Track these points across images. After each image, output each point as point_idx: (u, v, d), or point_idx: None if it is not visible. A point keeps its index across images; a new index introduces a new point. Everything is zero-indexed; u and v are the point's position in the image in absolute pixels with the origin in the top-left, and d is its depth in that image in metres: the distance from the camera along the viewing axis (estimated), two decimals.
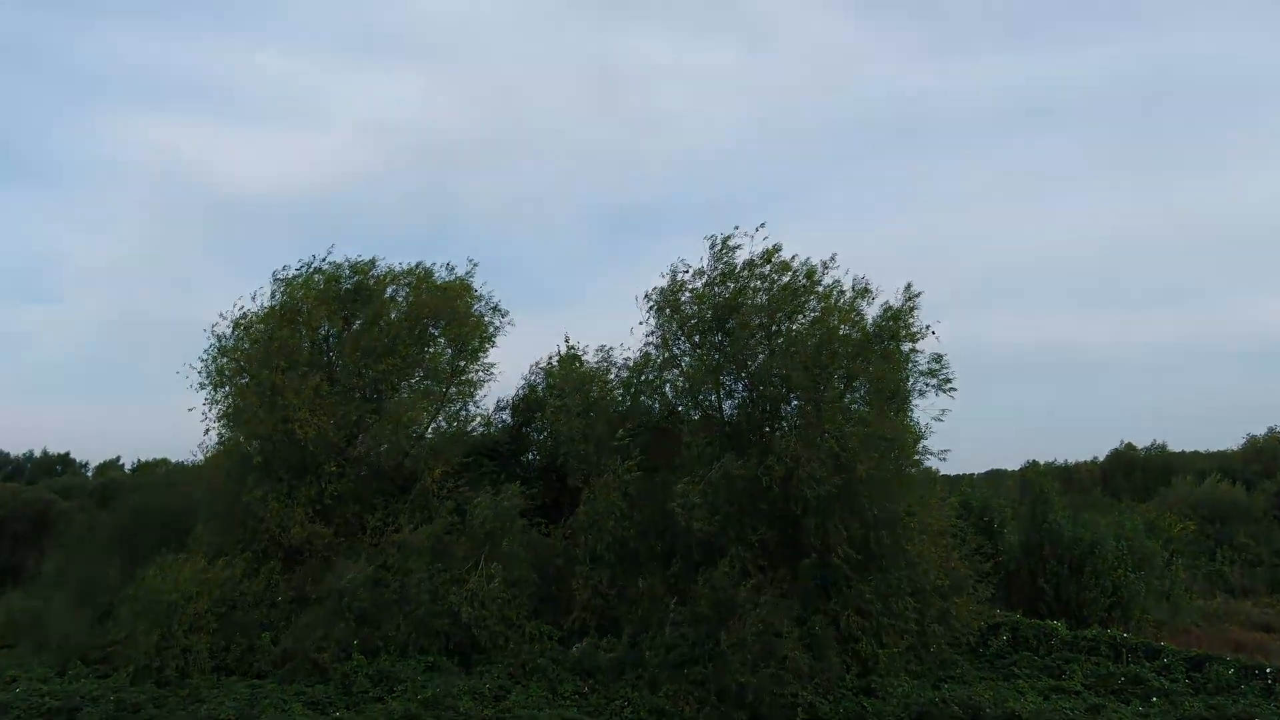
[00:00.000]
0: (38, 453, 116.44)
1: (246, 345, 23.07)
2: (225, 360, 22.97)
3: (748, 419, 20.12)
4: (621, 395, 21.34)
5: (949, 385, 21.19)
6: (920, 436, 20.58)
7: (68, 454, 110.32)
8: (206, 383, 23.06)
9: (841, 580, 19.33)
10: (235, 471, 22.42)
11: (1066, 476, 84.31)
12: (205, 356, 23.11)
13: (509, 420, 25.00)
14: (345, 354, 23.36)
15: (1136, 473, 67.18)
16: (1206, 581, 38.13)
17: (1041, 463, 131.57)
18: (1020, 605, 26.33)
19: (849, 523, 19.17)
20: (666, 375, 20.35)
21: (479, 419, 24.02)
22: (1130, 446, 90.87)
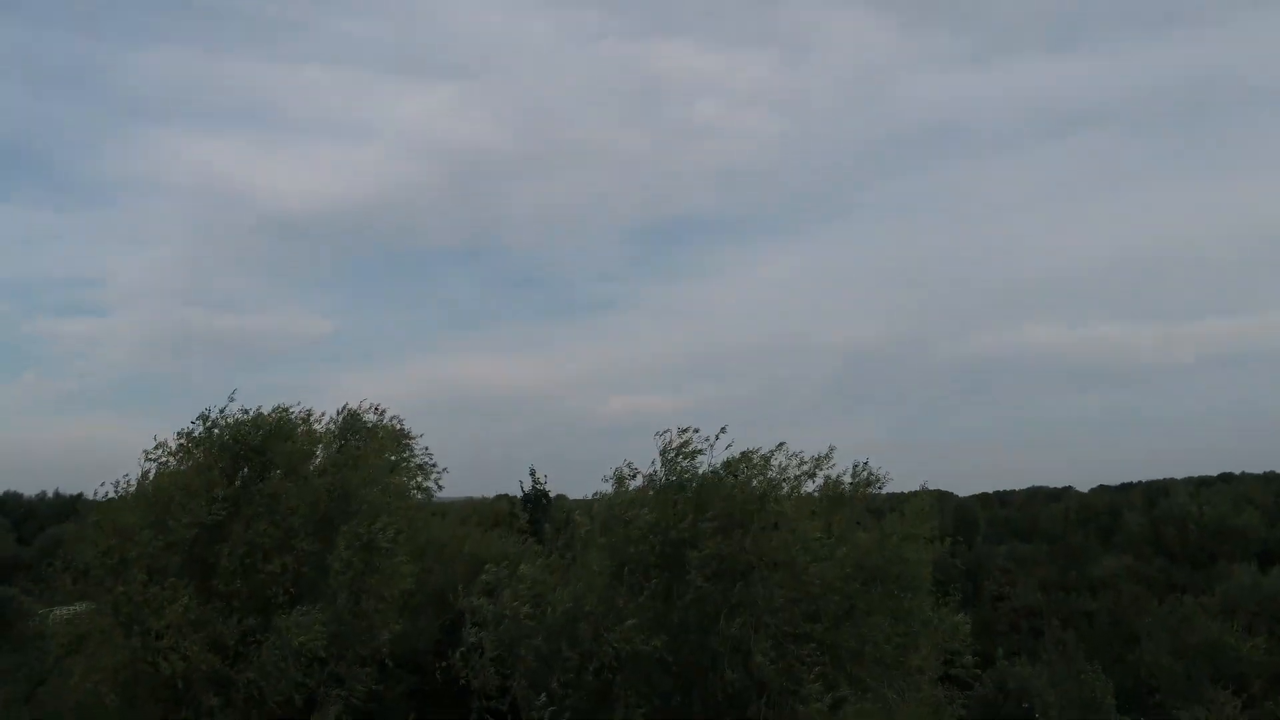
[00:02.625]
0: (51, 493, 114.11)
1: (101, 550, 18.80)
2: (70, 573, 18.76)
3: (707, 677, 15.52)
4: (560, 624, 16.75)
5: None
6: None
7: (80, 494, 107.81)
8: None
9: None
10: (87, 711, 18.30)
11: (1111, 531, 78.85)
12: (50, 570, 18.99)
13: (436, 629, 20.48)
14: (227, 553, 19.01)
15: (1190, 530, 61.90)
16: None
17: (1085, 490, 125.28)
18: None
19: None
20: (612, 625, 15.73)
21: (392, 631, 19.43)
22: (1183, 490, 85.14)
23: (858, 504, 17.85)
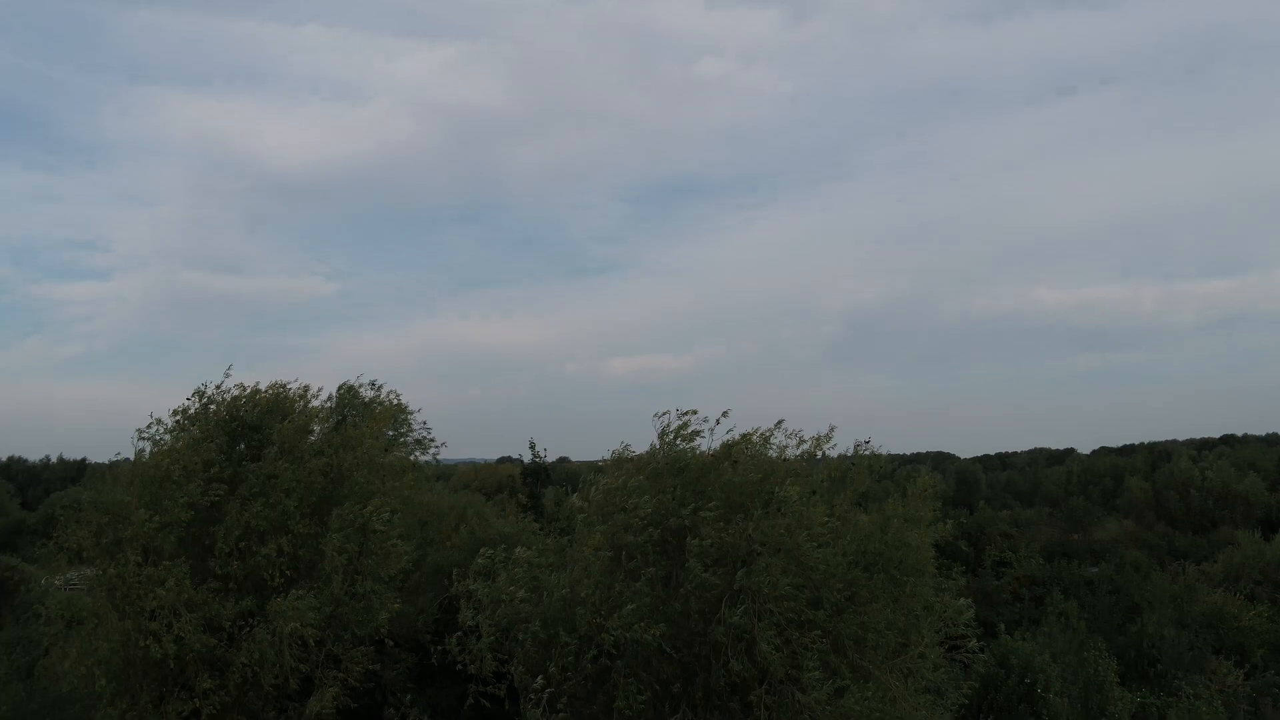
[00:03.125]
0: (54, 458, 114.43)
1: (93, 530, 18.61)
2: (63, 554, 18.57)
3: (710, 665, 15.32)
4: (557, 609, 16.52)
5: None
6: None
7: (84, 460, 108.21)
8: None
9: None
10: (81, 692, 18.21)
11: (1114, 495, 78.82)
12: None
13: (435, 608, 20.23)
14: (223, 535, 18.79)
15: (1192, 495, 61.82)
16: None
17: (1087, 453, 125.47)
18: None
19: None
20: (609, 613, 15.45)
21: (390, 611, 19.20)
22: (1185, 454, 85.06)
23: (859, 484, 17.58)
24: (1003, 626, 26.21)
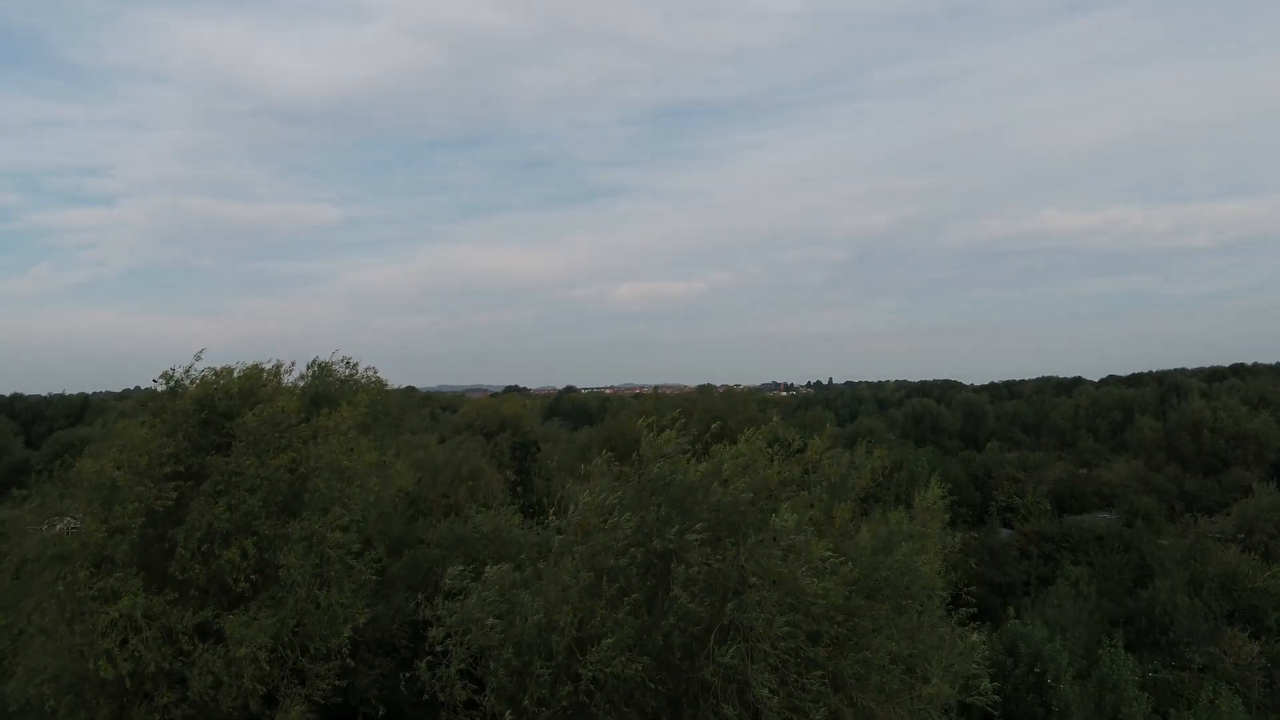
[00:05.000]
0: (59, 393, 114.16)
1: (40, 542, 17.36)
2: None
3: (698, 705, 14.11)
4: (532, 636, 15.26)
5: None
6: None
7: (86, 397, 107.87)
8: None
9: None
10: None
11: (1122, 429, 77.54)
12: None
13: (411, 609, 18.85)
14: (184, 537, 17.52)
15: (1204, 436, 60.28)
16: None
17: (1096, 381, 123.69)
18: None
19: None
20: (589, 644, 14.18)
21: (356, 624, 17.92)
22: (1196, 390, 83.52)
23: (860, 487, 16.24)
24: (1011, 610, 25.07)
